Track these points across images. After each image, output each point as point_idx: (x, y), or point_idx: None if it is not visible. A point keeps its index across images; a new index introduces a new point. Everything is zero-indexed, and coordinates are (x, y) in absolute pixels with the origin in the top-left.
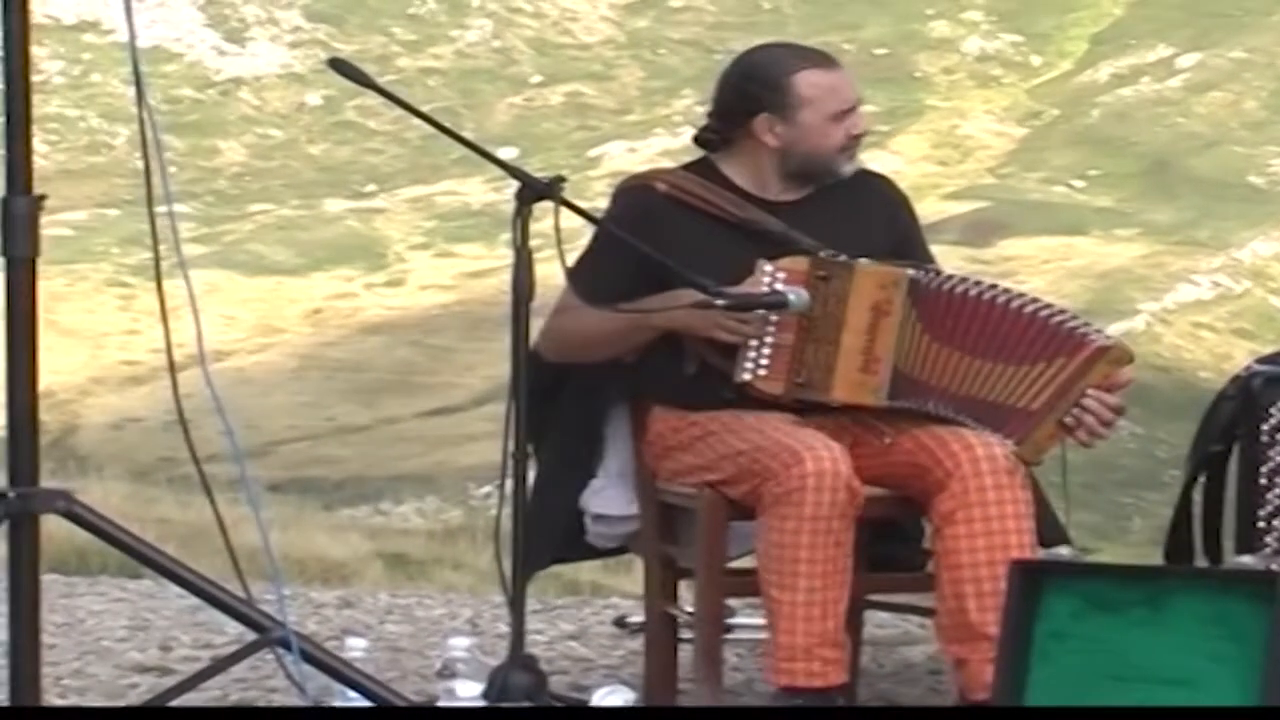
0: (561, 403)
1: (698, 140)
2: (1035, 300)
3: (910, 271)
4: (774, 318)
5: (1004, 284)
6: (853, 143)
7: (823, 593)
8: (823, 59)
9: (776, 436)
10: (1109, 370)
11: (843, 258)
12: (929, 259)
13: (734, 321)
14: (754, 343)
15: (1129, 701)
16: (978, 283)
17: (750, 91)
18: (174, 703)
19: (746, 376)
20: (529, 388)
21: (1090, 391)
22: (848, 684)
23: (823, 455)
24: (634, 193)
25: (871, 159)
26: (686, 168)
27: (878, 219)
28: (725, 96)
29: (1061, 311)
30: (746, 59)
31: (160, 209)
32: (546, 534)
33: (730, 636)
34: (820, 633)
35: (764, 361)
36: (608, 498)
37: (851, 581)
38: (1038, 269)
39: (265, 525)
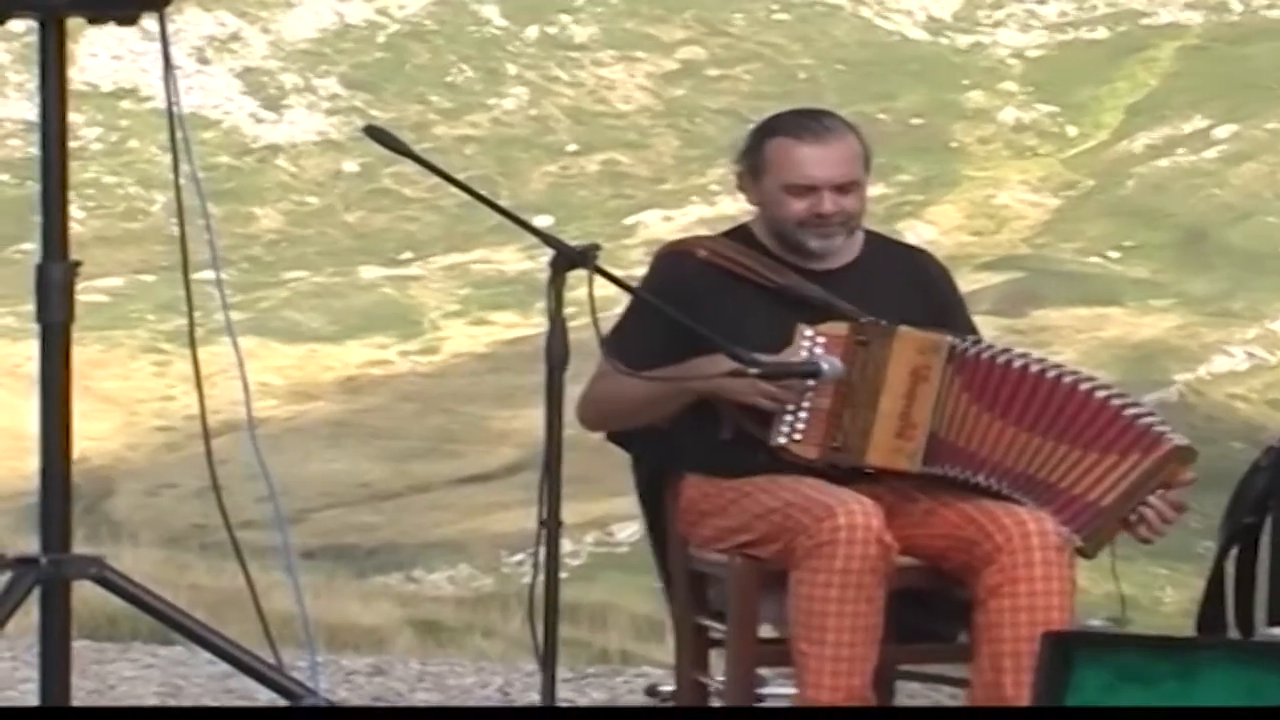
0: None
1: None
2: (1092, 379)
3: (950, 338)
4: (810, 383)
5: (1038, 354)
6: (818, 220)
7: (850, 648)
8: (811, 133)
9: (809, 493)
10: (1179, 470)
11: (883, 323)
12: (973, 333)
13: (774, 388)
14: (790, 407)
15: None
16: (1021, 354)
17: (742, 149)
18: None
19: (782, 440)
20: None
21: (1161, 495)
22: None
23: (854, 509)
24: (673, 258)
25: (907, 228)
26: (727, 234)
27: (918, 291)
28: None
29: (1126, 397)
30: (769, 116)
31: (207, 274)
32: None
33: (761, 706)
34: (847, 689)
35: (800, 426)
36: None
37: (881, 643)
38: (1072, 339)
39: (300, 592)
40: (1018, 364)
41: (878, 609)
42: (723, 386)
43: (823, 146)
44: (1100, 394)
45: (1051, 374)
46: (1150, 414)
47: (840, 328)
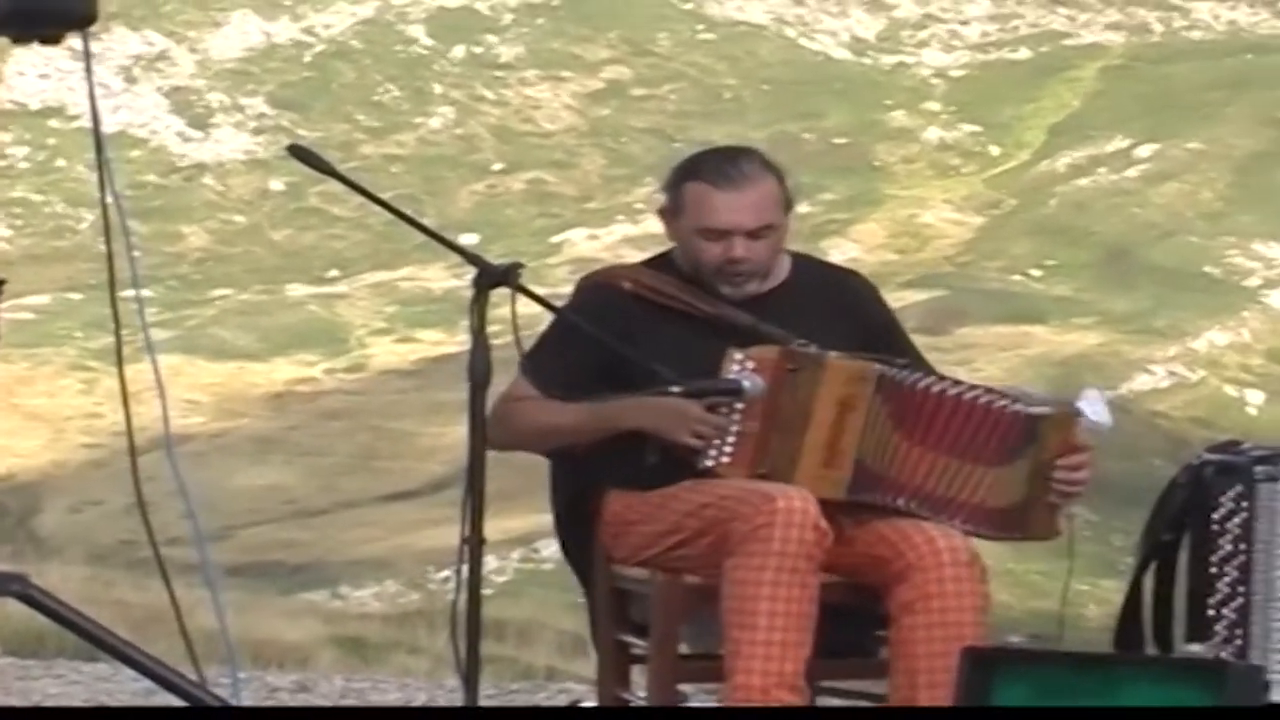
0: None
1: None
2: (991, 392)
3: (879, 368)
4: (739, 405)
5: (963, 374)
6: (728, 265)
7: (783, 633)
8: (728, 179)
9: (744, 485)
10: (1062, 434)
11: (814, 349)
12: (911, 349)
13: (701, 425)
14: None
15: None
16: (944, 380)
17: (665, 185)
18: None
19: (710, 463)
20: None
21: (1058, 463)
22: None
23: (793, 494)
24: (599, 290)
25: (831, 246)
26: (648, 262)
27: (846, 313)
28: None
29: (1008, 398)
30: (693, 154)
31: (128, 293)
32: None
33: (777, 708)
34: (778, 674)
35: (728, 449)
36: None
37: (812, 640)
38: (995, 357)
39: (222, 609)
40: (935, 389)
41: (812, 596)
42: (654, 422)
43: (738, 193)
44: (998, 404)
45: (963, 395)
46: (1032, 402)
47: (771, 352)
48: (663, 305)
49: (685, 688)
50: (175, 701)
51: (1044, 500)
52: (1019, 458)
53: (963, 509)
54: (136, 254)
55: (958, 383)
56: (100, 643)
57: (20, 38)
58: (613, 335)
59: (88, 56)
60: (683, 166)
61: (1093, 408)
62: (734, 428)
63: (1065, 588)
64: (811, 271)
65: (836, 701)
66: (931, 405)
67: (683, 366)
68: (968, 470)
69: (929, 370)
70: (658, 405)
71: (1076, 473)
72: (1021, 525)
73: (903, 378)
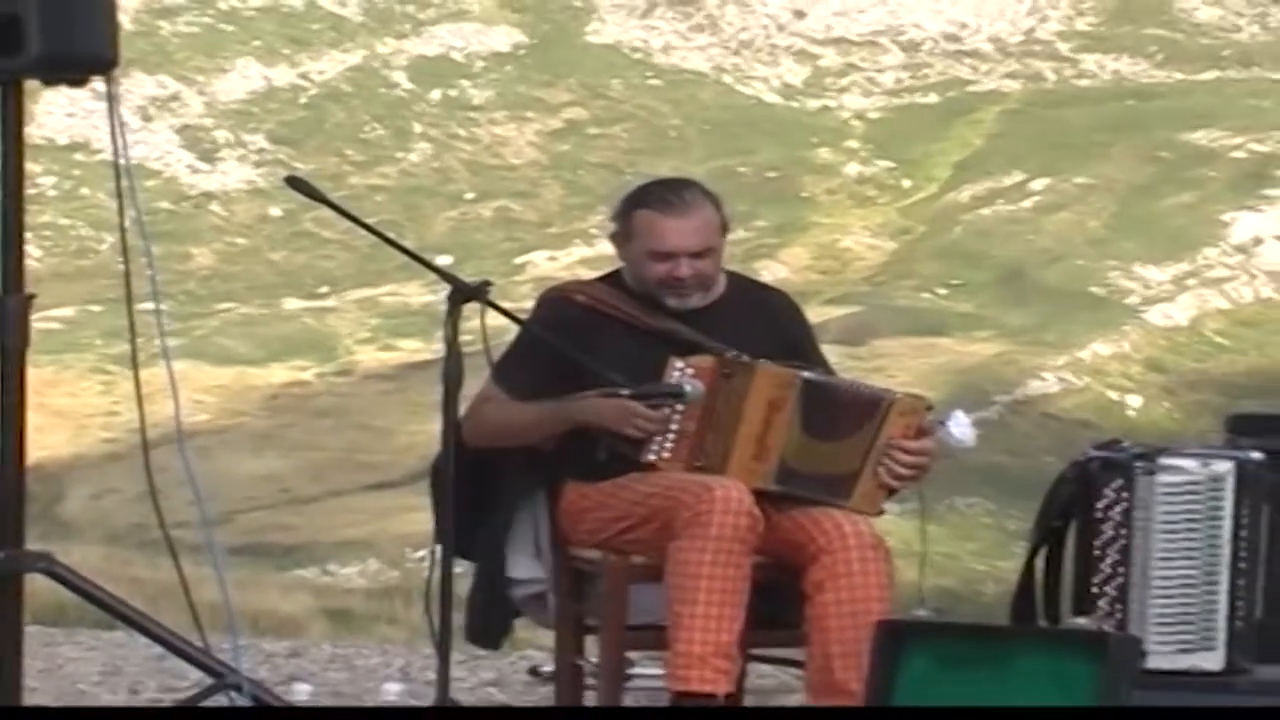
0: (474, 488)
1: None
2: (868, 386)
3: (804, 374)
4: (680, 407)
5: (876, 378)
6: (675, 282)
7: (719, 608)
8: (673, 207)
9: (686, 477)
10: (906, 420)
11: (745, 358)
12: (822, 360)
13: (642, 420)
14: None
15: None
16: (855, 382)
17: (616, 211)
18: None
19: (651, 458)
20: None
21: (893, 443)
22: (735, 696)
23: (729, 486)
24: (556, 304)
25: (763, 267)
26: (601, 279)
27: (773, 327)
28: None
29: (874, 388)
30: (640, 185)
31: (147, 306)
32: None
33: (630, 685)
34: (715, 644)
35: (668, 446)
36: (516, 563)
37: (744, 614)
38: (905, 365)
39: (226, 583)
40: (845, 389)
41: (745, 575)
42: (599, 415)
43: (682, 219)
44: (865, 392)
45: (865, 392)
46: (882, 389)
47: (707, 360)
48: (613, 317)
49: (632, 655)
50: (183, 665)
51: (874, 476)
52: (864, 427)
53: (828, 481)
54: (148, 272)
55: (864, 384)
56: (117, 614)
57: (50, 80)
58: (570, 344)
59: (110, 98)
60: (631, 196)
61: (958, 427)
62: (674, 427)
63: (922, 562)
64: (744, 289)
65: (765, 668)
66: (840, 404)
67: (630, 372)
68: (836, 448)
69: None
70: (606, 404)
71: (910, 458)
72: (844, 490)
73: (823, 383)
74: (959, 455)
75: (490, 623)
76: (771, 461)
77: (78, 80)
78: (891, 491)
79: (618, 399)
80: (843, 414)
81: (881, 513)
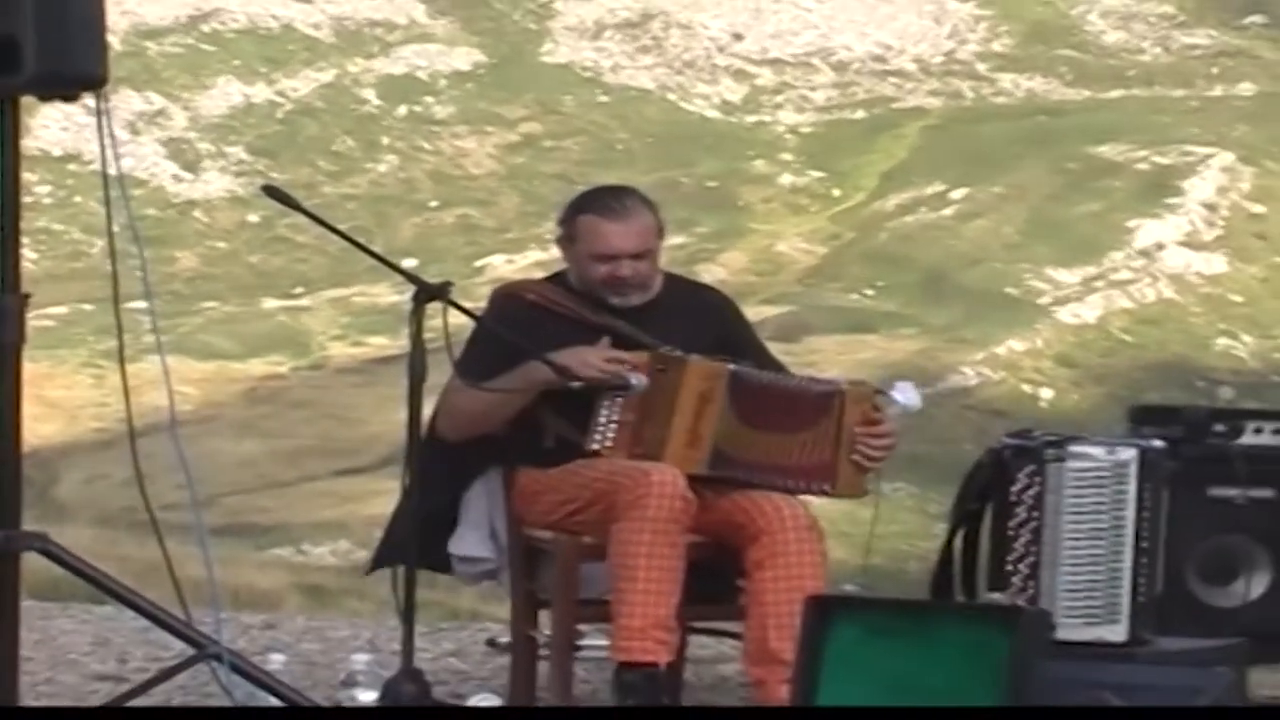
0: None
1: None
2: (812, 379)
3: (731, 367)
4: (619, 399)
5: (809, 372)
6: (616, 282)
7: (658, 584)
8: (614, 212)
9: (626, 464)
10: (860, 407)
11: (678, 353)
12: (760, 347)
13: (599, 359)
14: (602, 419)
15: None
16: (782, 373)
17: (561, 217)
18: (129, 704)
19: (595, 446)
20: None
21: (856, 430)
22: (675, 665)
23: (665, 471)
24: (507, 299)
25: (704, 270)
26: (548, 279)
27: (706, 321)
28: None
29: (820, 381)
30: (582, 192)
31: (137, 304)
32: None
33: (579, 655)
34: (654, 618)
35: (610, 434)
36: (469, 542)
37: (681, 589)
38: (836, 361)
39: (211, 561)
40: (771, 381)
41: (680, 554)
42: (565, 363)
43: (623, 224)
44: (806, 387)
45: (793, 384)
46: (831, 383)
47: (643, 356)
48: (558, 313)
49: (581, 627)
50: (168, 637)
51: (849, 461)
52: (823, 421)
53: (790, 472)
54: (139, 274)
55: (790, 375)
56: (106, 589)
57: (45, 96)
58: (520, 336)
59: (100, 113)
60: (575, 203)
61: (904, 394)
62: (615, 419)
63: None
64: (679, 287)
65: (704, 639)
66: (769, 394)
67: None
68: (790, 440)
69: (775, 364)
70: (567, 353)
71: (877, 440)
72: (830, 478)
73: (749, 375)
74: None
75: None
76: (704, 449)
77: (70, 97)
78: (863, 469)
79: (576, 355)
80: (786, 406)
81: (866, 493)
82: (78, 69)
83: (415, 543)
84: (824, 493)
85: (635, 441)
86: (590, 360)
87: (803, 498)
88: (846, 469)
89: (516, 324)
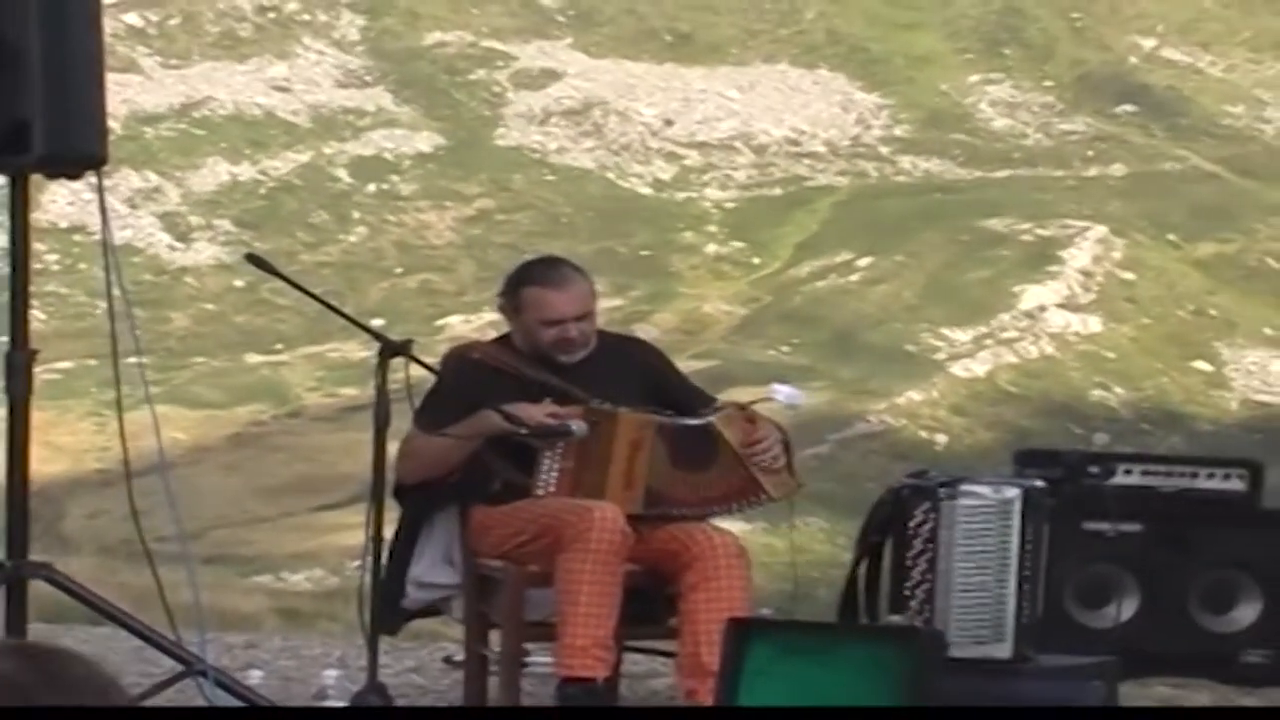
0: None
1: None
2: (718, 411)
3: (657, 418)
4: (560, 446)
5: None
6: (565, 343)
7: (598, 607)
8: (556, 280)
9: (569, 502)
10: (733, 429)
11: (608, 406)
12: (686, 383)
13: (544, 412)
14: (544, 466)
15: None
16: (698, 419)
17: (503, 290)
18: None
19: (540, 491)
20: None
21: (744, 449)
22: (613, 679)
23: (605, 508)
24: (459, 359)
25: (640, 329)
26: (495, 341)
27: (636, 372)
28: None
29: (703, 415)
30: (520, 266)
31: (132, 360)
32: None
33: (526, 671)
34: (594, 637)
35: (553, 480)
36: (430, 569)
37: (618, 613)
38: (755, 409)
39: (198, 587)
40: (687, 424)
41: (618, 581)
42: (517, 411)
43: (565, 291)
44: (704, 424)
45: (695, 423)
46: (702, 418)
47: (576, 410)
48: (501, 370)
49: (528, 645)
50: (159, 655)
51: (762, 471)
52: (718, 451)
53: (718, 500)
54: (138, 332)
55: (708, 408)
56: (104, 613)
57: (51, 174)
58: (473, 392)
59: (100, 189)
60: (515, 276)
61: (782, 393)
62: (556, 467)
63: (795, 573)
64: (612, 342)
65: (638, 656)
66: (687, 438)
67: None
68: (707, 475)
69: (700, 394)
70: (518, 405)
71: (761, 446)
72: (757, 490)
73: (672, 424)
74: (791, 418)
75: (384, 613)
76: (638, 490)
77: (74, 175)
78: (775, 470)
79: (523, 409)
80: (696, 445)
81: (802, 485)
82: (81, 150)
83: (376, 574)
84: (764, 501)
85: (576, 486)
86: (534, 414)
87: (727, 526)
88: (766, 478)
89: (467, 380)
